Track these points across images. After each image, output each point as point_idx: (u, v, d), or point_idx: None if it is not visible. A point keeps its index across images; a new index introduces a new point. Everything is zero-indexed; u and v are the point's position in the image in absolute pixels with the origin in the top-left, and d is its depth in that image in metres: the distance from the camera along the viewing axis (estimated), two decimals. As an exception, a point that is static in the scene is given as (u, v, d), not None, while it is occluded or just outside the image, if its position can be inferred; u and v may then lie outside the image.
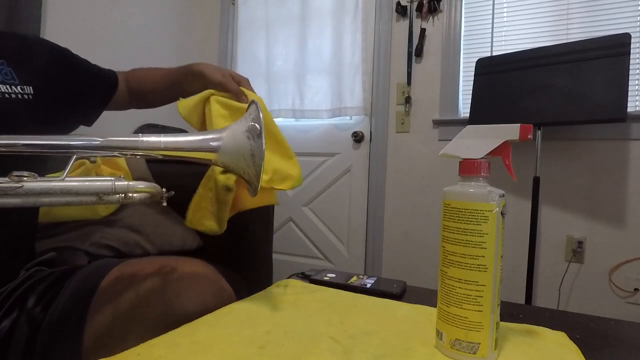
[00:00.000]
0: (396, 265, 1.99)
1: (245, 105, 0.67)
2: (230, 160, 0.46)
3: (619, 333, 0.49)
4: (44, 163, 0.63)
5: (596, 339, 0.46)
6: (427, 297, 0.57)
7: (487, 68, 1.64)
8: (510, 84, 1.54)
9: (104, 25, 1.82)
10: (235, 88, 0.69)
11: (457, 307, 0.37)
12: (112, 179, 0.41)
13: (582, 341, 0.43)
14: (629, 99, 1.33)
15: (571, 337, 0.44)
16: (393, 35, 2.03)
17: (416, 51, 1.94)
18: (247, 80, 0.73)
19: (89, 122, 0.76)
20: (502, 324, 0.44)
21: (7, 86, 0.56)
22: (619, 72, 1.33)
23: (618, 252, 1.57)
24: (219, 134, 0.46)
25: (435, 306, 0.41)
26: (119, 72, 0.79)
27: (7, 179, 0.37)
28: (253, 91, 0.72)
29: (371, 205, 2.06)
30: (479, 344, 0.37)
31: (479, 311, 0.36)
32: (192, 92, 0.74)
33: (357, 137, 2.07)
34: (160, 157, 0.44)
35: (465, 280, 0.37)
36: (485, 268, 0.36)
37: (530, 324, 0.47)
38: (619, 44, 1.35)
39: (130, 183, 0.42)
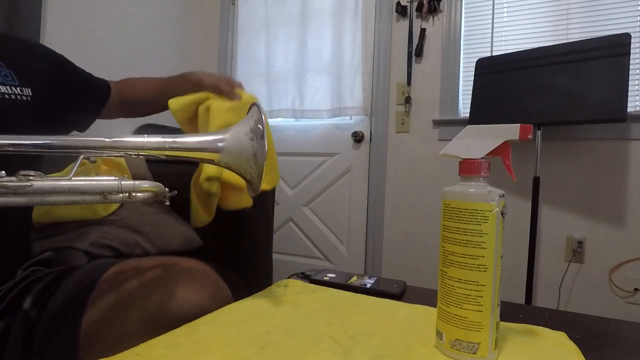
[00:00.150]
0: (396, 265, 1.99)
1: (243, 101, 0.69)
2: (232, 160, 0.46)
3: (619, 333, 0.49)
4: (40, 162, 0.64)
5: (596, 339, 0.46)
6: (427, 297, 0.57)
7: (487, 68, 1.64)
8: (510, 84, 1.54)
9: (104, 25, 1.82)
10: (227, 90, 0.72)
11: (457, 307, 0.37)
12: (118, 178, 0.42)
13: (582, 341, 0.43)
14: (629, 99, 1.33)
15: (571, 337, 0.44)
16: (393, 35, 2.03)
17: (416, 51, 1.94)
18: (241, 84, 0.76)
19: (81, 128, 0.77)
20: (502, 324, 0.44)
21: (8, 87, 0.57)
22: (619, 72, 1.33)
23: (618, 252, 1.57)
24: (222, 135, 0.46)
25: (435, 306, 0.41)
26: (111, 81, 0.80)
27: (14, 177, 0.37)
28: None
29: (371, 205, 2.06)
30: (479, 344, 0.37)
31: (479, 311, 0.36)
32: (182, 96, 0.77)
33: (357, 137, 2.07)
34: (163, 157, 0.44)
35: (465, 280, 0.37)
36: (485, 268, 0.36)
37: (530, 324, 0.47)
38: (619, 44, 1.35)
39: (136, 182, 0.43)
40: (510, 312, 0.52)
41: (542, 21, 1.72)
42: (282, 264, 2.14)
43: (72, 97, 0.70)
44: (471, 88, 1.68)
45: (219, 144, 0.46)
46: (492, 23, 1.82)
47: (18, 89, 0.58)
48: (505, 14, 1.81)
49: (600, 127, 1.58)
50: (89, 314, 0.45)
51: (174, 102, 0.71)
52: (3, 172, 0.37)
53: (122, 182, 0.42)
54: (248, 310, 0.48)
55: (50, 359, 0.45)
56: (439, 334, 0.39)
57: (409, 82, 1.97)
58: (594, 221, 1.62)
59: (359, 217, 2.08)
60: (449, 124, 1.88)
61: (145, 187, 0.44)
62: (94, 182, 0.41)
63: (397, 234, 2.00)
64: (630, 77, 1.34)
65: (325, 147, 2.18)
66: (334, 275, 0.65)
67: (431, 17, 1.94)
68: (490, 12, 1.83)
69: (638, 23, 1.56)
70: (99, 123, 0.81)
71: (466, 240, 0.37)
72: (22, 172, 0.38)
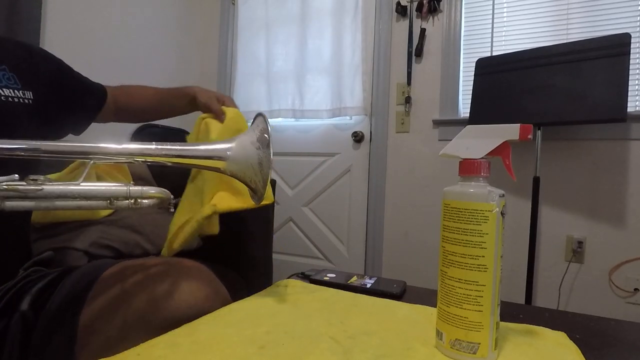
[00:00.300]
0: (396, 265, 1.99)
1: (229, 117, 0.74)
2: (238, 169, 0.48)
3: (619, 333, 0.49)
4: (37, 163, 0.65)
5: (596, 339, 0.46)
6: (427, 297, 0.57)
7: (487, 68, 1.64)
8: (510, 84, 1.54)
9: (104, 25, 1.82)
10: (217, 109, 0.75)
11: (457, 307, 0.37)
12: (127, 184, 0.43)
13: (582, 341, 0.43)
14: (629, 99, 1.33)
15: (571, 337, 0.44)
16: (393, 35, 2.03)
17: (416, 51, 1.94)
18: (230, 99, 0.80)
19: (78, 131, 0.79)
20: (502, 324, 0.44)
21: (11, 90, 0.58)
22: (619, 72, 1.33)
23: (618, 252, 1.57)
24: (229, 144, 0.48)
25: (435, 306, 0.41)
26: (107, 86, 0.82)
27: (24, 182, 0.38)
28: (235, 106, 0.79)
29: (371, 205, 2.06)
30: (479, 344, 0.37)
31: (479, 311, 0.36)
32: (183, 111, 0.82)
33: (357, 137, 2.07)
34: (170, 164, 0.45)
35: (465, 280, 0.37)
36: (485, 268, 0.36)
37: (530, 324, 0.47)
38: (619, 44, 1.35)
39: (144, 188, 0.44)
40: (510, 312, 0.52)
41: (542, 21, 1.72)
42: (282, 264, 2.14)
43: (70, 100, 0.72)
44: (471, 88, 1.68)
45: (226, 153, 0.47)
46: (492, 23, 1.82)
47: (20, 92, 0.60)
48: (505, 14, 1.81)
49: (600, 127, 1.58)
50: (86, 311, 0.46)
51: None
52: (16, 175, 0.38)
53: (131, 188, 0.43)
54: (248, 310, 0.48)
55: (48, 357, 0.45)
56: (439, 334, 0.39)
57: (409, 82, 1.97)
58: (594, 221, 1.62)
59: (359, 217, 2.08)
60: (449, 124, 1.88)
61: (152, 193, 0.45)
62: (102, 188, 0.42)
63: (397, 234, 2.00)
64: (630, 77, 1.34)
65: (325, 147, 2.18)
66: (334, 275, 0.65)
67: (431, 17, 1.94)
68: (490, 12, 1.83)
69: (638, 23, 1.56)
70: (95, 126, 0.81)
71: (466, 240, 0.37)
72: (31, 177, 0.39)
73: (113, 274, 0.49)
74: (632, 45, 1.34)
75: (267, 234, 1.07)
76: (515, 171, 0.39)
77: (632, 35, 1.36)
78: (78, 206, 0.42)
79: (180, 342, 0.38)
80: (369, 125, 2.07)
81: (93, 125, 0.81)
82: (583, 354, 0.40)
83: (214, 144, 0.48)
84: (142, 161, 0.45)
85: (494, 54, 1.80)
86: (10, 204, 0.38)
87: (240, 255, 0.98)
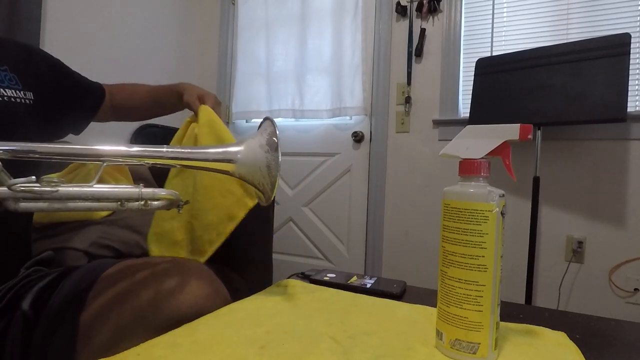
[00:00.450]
0: (396, 265, 1.99)
1: (201, 114, 0.71)
2: (247, 171, 0.48)
3: (619, 333, 0.49)
4: (38, 167, 0.64)
5: (596, 339, 0.46)
6: (427, 297, 0.57)
7: (487, 68, 1.64)
8: (510, 84, 1.54)
9: (104, 26, 1.82)
10: (195, 108, 0.74)
11: (457, 307, 0.37)
12: (139, 186, 0.44)
13: (582, 341, 0.43)
14: (629, 99, 1.33)
15: (571, 337, 0.44)
16: (393, 35, 2.03)
17: (416, 51, 1.94)
18: (213, 97, 0.77)
19: (77, 131, 0.79)
20: (502, 324, 0.44)
21: (13, 90, 0.59)
22: (619, 72, 1.33)
23: (618, 252, 1.57)
24: (238, 147, 0.48)
25: (435, 306, 0.41)
26: (105, 84, 0.82)
27: (39, 184, 0.38)
28: (219, 102, 0.77)
29: (371, 205, 2.06)
30: (479, 344, 0.37)
31: (479, 311, 0.36)
32: (175, 109, 0.81)
33: (357, 137, 2.07)
34: (179, 166, 0.46)
35: (465, 280, 0.37)
36: (485, 268, 0.36)
37: (530, 324, 0.47)
38: (619, 44, 1.35)
39: (155, 190, 0.45)
40: (510, 312, 0.52)
41: (542, 21, 1.72)
42: (282, 264, 2.14)
43: (70, 100, 0.72)
44: (471, 88, 1.68)
45: (235, 156, 0.48)
46: (492, 23, 1.82)
47: (21, 92, 0.60)
48: (505, 14, 1.81)
49: (600, 127, 1.58)
50: (87, 311, 0.46)
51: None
52: (33, 177, 0.38)
53: (142, 190, 0.43)
54: (248, 310, 0.48)
55: (49, 356, 0.45)
56: (439, 334, 0.39)
57: (409, 82, 1.97)
58: (594, 221, 1.62)
59: (359, 217, 2.08)
60: (449, 124, 1.88)
61: (163, 195, 0.45)
62: (115, 190, 0.43)
63: (397, 234, 2.00)
64: (630, 77, 1.34)
65: (325, 147, 2.18)
66: (334, 275, 0.65)
67: (431, 17, 1.94)
68: (490, 12, 1.83)
69: (638, 23, 1.56)
70: (96, 127, 0.82)
71: (466, 240, 0.37)
72: (45, 178, 0.39)
73: (114, 273, 0.49)
74: (632, 45, 1.34)
75: (267, 234, 1.07)
76: (515, 171, 0.39)
77: (632, 35, 1.36)
78: (89, 208, 0.42)
79: (180, 342, 0.38)
80: (369, 125, 2.07)
81: (93, 126, 0.81)
82: (583, 354, 0.40)
83: (224, 147, 0.49)
84: (153, 164, 0.45)
85: (494, 54, 1.80)
86: (24, 205, 0.38)
87: (240, 255, 0.98)
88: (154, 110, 0.86)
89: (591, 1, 1.64)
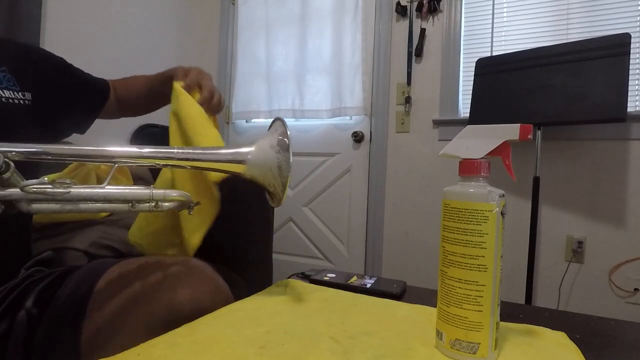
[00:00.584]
0: (396, 265, 1.99)
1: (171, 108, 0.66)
2: (258, 172, 0.48)
3: (619, 333, 0.49)
4: (38, 167, 0.64)
5: (596, 339, 0.46)
6: (427, 297, 0.57)
7: (487, 68, 1.64)
8: (510, 84, 1.54)
9: (104, 25, 1.82)
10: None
11: (457, 307, 0.37)
12: (150, 187, 0.44)
13: (582, 341, 0.43)
14: (629, 99, 1.33)
15: (571, 337, 0.44)
16: (393, 35, 2.03)
17: (416, 51, 1.94)
18: (197, 71, 0.70)
19: (82, 130, 0.78)
20: (502, 324, 0.44)
21: (10, 92, 0.58)
22: (619, 72, 1.33)
23: (618, 252, 1.57)
24: (249, 148, 0.48)
25: (435, 306, 0.41)
26: (109, 80, 0.81)
27: (51, 185, 0.38)
28: (205, 76, 0.70)
29: (371, 205, 2.06)
30: (479, 344, 0.37)
31: (479, 311, 0.36)
32: (167, 94, 0.73)
33: (357, 137, 2.07)
34: (190, 167, 0.46)
35: (465, 280, 0.37)
36: (485, 268, 0.36)
37: (530, 324, 0.47)
38: (619, 44, 1.35)
39: (166, 191, 0.44)
40: (510, 312, 0.52)
41: (542, 21, 1.72)
42: (282, 264, 2.14)
43: (71, 99, 0.72)
44: (471, 88, 1.68)
45: (246, 157, 0.47)
46: (492, 23, 1.82)
47: (19, 93, 0.60)
48: (505, 14, 1.81)
49: (600, 127, 1.58)
50: (88, 311, 0.46)
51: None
52: (45, 178, 0.38)
53: (153, 191, 0.43)
54: (248, 310, 0.48)
55: (49, 357, 0.45)
56: (439, 334, 0.39)
57: (409, 82, 1.97)
58: (594, 221, 1.62)
59: (359, 217, 2.08)
60: (449, 124, 1.88)
61: (174, 196, 0.45)
62: (126, 191, 0.42)
63: (397, 234, 2.00)
64: (630, 77, 1.34)
65: (325, 147, 2.18)
66: (334, 275, 0.65)
67: (431, 17, 1.94)
68: (490, 12, 1.83)
69: (638, 23, 1.56)
70: (101, 122, 0.81)
71: (466, 240, 0.37)
72: (58, 179, 0.39)
73: (114, 276, 0.49)
74: (632, 45, 1.34)
75: (267, 234, 1.07)
76: (515, 171, 0.39)
77: (632, 35, 1.36)
78: (100, 209, 0.42)
79: (180, 342, 0.38)
80: (369, 125, 2.07)
81: (93, 126, 0.80)
82: (583, 354, 0.40)
83: (235, 147, 0.48)
84: (163, 165, 0.45)
85: (494, 54, 1.80)
86: (37, 207, 0.38)
87: (240, 256, 0.98)
88: (151, 101, 0.82)
89: (591, 1, 1.64)
